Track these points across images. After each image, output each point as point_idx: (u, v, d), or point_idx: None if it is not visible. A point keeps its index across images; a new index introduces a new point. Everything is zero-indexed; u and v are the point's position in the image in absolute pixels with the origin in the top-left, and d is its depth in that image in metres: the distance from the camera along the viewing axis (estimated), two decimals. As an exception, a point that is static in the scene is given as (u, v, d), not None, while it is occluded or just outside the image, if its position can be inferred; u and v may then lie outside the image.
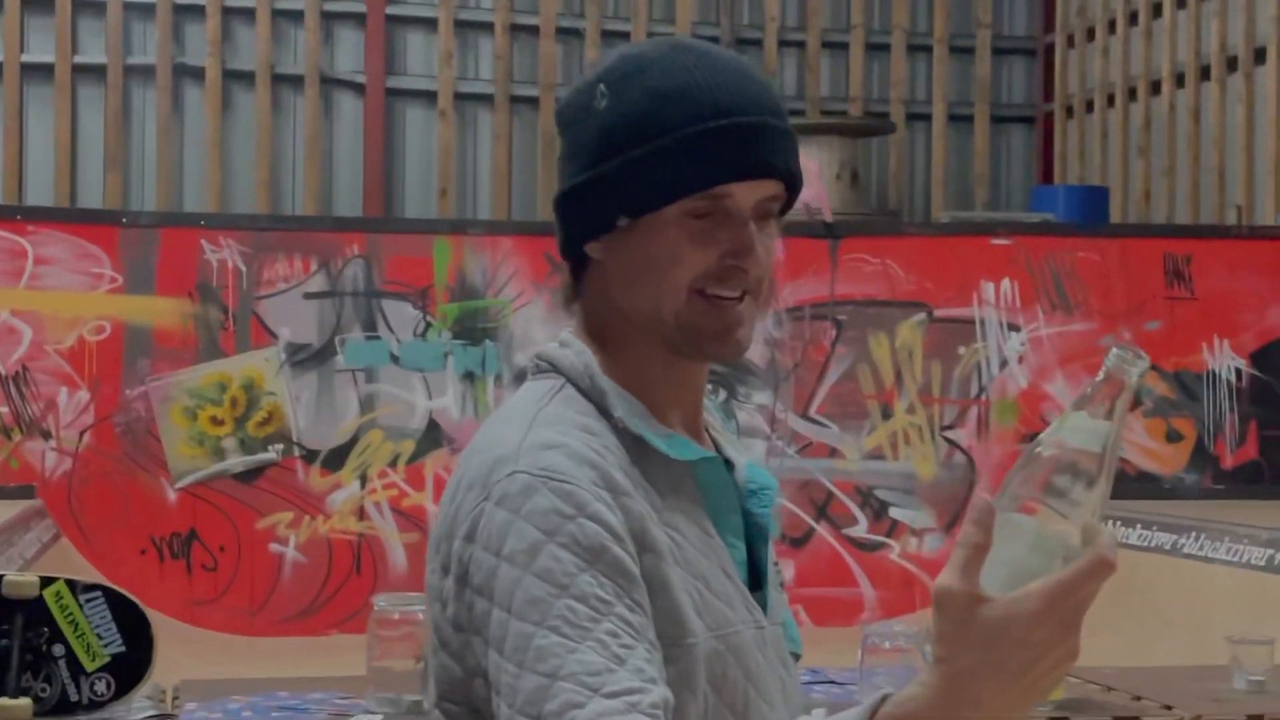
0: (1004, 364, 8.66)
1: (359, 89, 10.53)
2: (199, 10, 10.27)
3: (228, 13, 10.33)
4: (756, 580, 1.69)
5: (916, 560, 8.65)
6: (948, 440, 8.66)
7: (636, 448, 1.60)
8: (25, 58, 10.06)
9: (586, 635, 1.42)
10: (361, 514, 8.14)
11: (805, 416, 8.67)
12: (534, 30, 10.71)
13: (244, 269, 8.21)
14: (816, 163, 9.60)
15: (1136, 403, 7.74)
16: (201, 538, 8.00)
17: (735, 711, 1.57)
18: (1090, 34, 10.89)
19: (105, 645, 2.99)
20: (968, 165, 11.37)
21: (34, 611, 2.98)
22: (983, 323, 8.65)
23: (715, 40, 10.96)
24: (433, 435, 8.26)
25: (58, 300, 7.96)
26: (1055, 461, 1.29)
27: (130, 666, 2.99)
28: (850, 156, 10.33)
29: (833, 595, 8.57)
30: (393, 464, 8.19)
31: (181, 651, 5.14)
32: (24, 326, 7.93)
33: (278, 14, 10.38)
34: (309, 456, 8.09)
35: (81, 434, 7.86)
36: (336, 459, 8.09)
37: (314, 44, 10.33)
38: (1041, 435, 1.32)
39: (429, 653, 1.61)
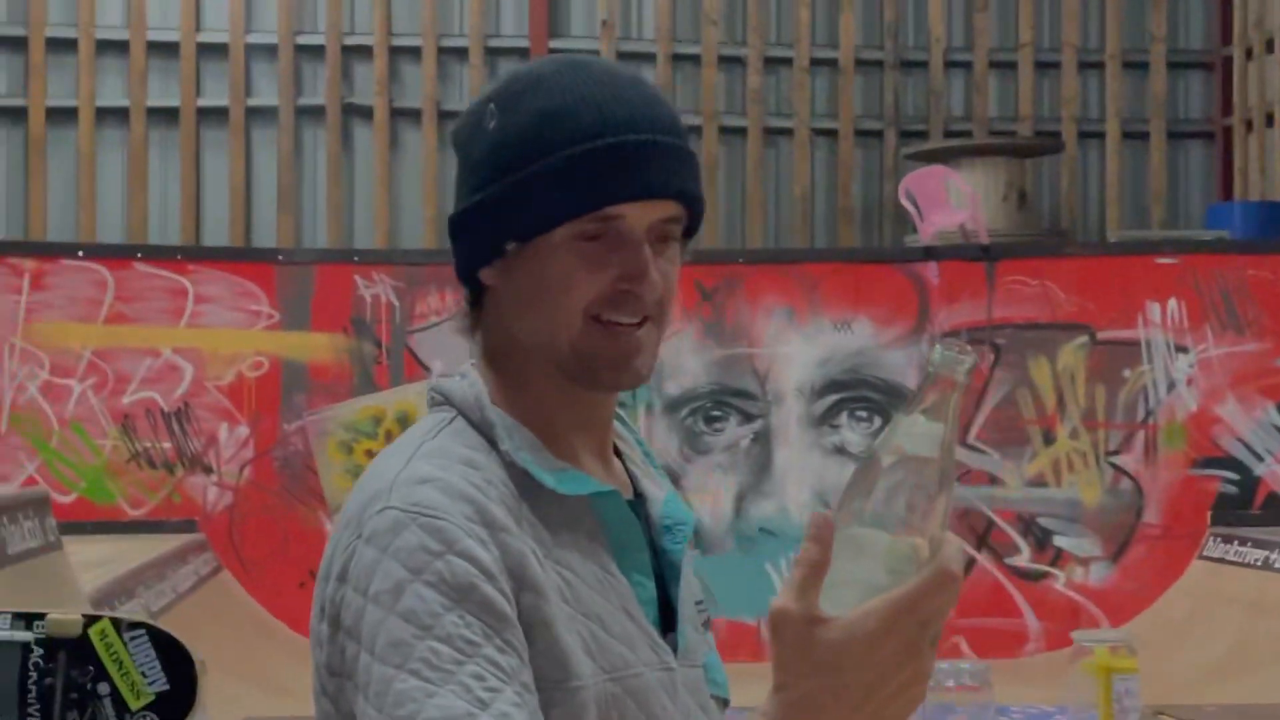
0: (1172, 386, 8.35)
1: (523, 123, 10.55)
2: (366, 50, 10.41)
3: (394, 52, 10.46)
4: (670, 620, 1.58)
5: (1083, 590, 8.36)
6: (1113, 466, 8.37)
7: (526, 482, 1.51)
8: (201, 102, 10.28)
9: (449, 679, 1.34)
10: (514, 545, 8.15)
11: (963, 444, 8.45)
12: (695, 59, 10.65)
13: (397, 303, 8.28)
14: (972, 185, 9.38)
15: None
16: (357, 569, 8.05)
17: None
18: (1269, 45, 10.46)
19: (150, 683, 2.96)
20: (1143, 183, 11.02)
21: (78, 649, 2.96)
22: (1149, 344, 8.35)
23: (879, 64, 10.81)
24: (584, 466, 8.24)
25: (217, 338, 8.11)
26: (893, 470, 1.20)
27: (174, 705, 2.95)
28: (1018, 177, 10.08)
29: (996, 626, 8.32)
30: (544, 495, 8.20)
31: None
32: (185, 364, 8.09)
33: (443, 52, 10.47)
34: (462, 488, 8.12)
35: (242, 468, 7.98)
36: (489, 490, 8.10)
37: (477, 80, 10.40)
38: (875, 443, 1.22)
39: (314, 698, 1.52)
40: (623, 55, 10.57)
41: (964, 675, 3.10)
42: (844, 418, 8.55)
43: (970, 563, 8.44)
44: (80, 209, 10.01)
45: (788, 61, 10.75)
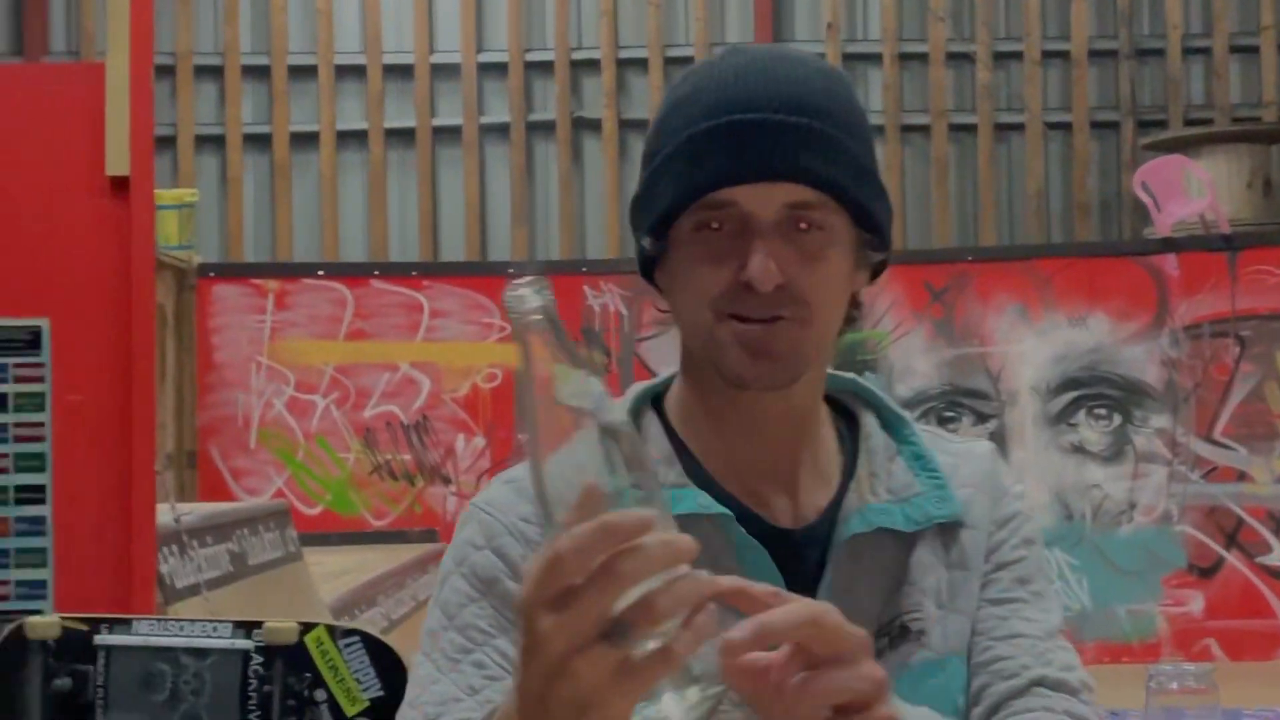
0: None
1: (750, 129, 10.53)
2: (594, 64, 10.48)
3: (621, 64, 10.51)
4: None
5: (1340, 589, 8.02)
6: (1369, 459, 8.03)
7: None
8: (435, 122, 10.47)
9: (455, 666, 1.41)
10: (748, 550, 8.13)
11: (1209, 439, 8.18)
12: (923, 57, 10.49)
13: (625, 312, 8.32)
14: (1214, 174, 9.06)
15: None
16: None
17: None
18: None
19: (364, 689, 2.98)
20: (1398, 165, 10.52)
21: (295, 657, 3.00)
22: (1405, 333, 7.98)
23: (1114, 53, 10.51)
24: (815, 470, 8.17)
25: (452, 351, 8.25)
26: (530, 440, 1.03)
27: (388, 710, 2.98)
28: (1262, 164, 9.69)
29: (1247, 628, 8.02)
30: (776, 500, 8.15)
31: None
32: (422, 377, 8.24)
33: (669, 62, 10.49)
34: (694, 494, 8.12)
35: (479, 478, 8.09)
36: (721, 496, 8.09)
37: (703, 88, 10.39)
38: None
39: None
40: (849, 57, 10.48)
41: (1188, 678, 2.96)
42: (1081, 415, 8.34)
43: (1219, 562, 8.15)
44: (324, 229, 10.27)
45: (1018, 55, 10.52)
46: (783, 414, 1.50)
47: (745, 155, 1.40)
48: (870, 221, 1.47)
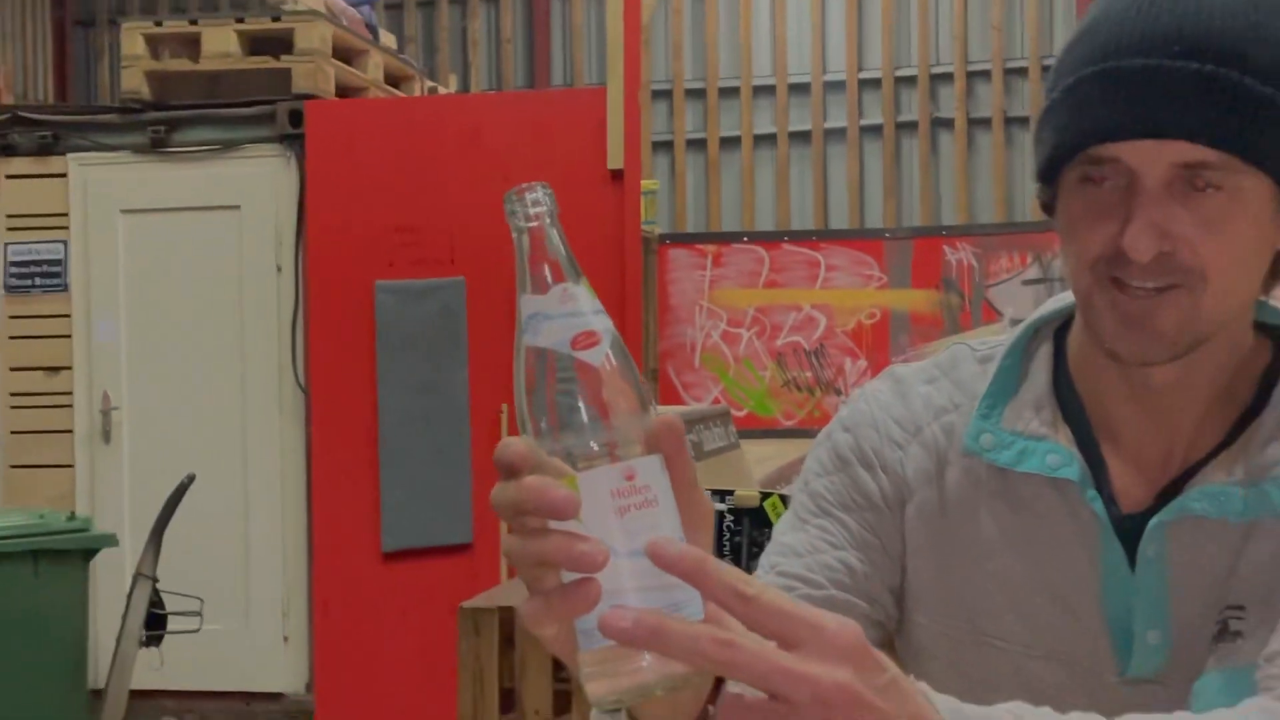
0: None
1: (1072, 122, 10.02)
2: (949, 77, 10.15)
3: (970, 76, 10.13)
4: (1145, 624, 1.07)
5: None
6: None
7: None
8: (827, 125, 10.34)
9: (803, 525, 1.16)
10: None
11: None
12: None
13: (976, 265, 8.05)
14: None
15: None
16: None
17: None
18: None
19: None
20: None
21: (757, 516, 3.03)
22: None
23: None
24: (1128, 387, 7.78)
25: (843, 296, 8.16)
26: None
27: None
28: None
29: None
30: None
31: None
32: (820, 315, 8.18)
33: (1008, 73, 10.06)
34: (1030, 405, 7.85)
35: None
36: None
37: (1035, 92, 9.94)
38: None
39: None
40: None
41: None
42: None
43: None
44: (744, 208, 10.32)
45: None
46: (1174, 385, 1.06)
47: (1130, 108, 0.96)
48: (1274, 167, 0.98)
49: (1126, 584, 1.07)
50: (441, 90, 5.75)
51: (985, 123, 10.15)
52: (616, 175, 4.50)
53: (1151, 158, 0.97)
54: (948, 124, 10.22)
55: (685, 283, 8.57)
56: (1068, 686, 1.08)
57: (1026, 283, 8.01)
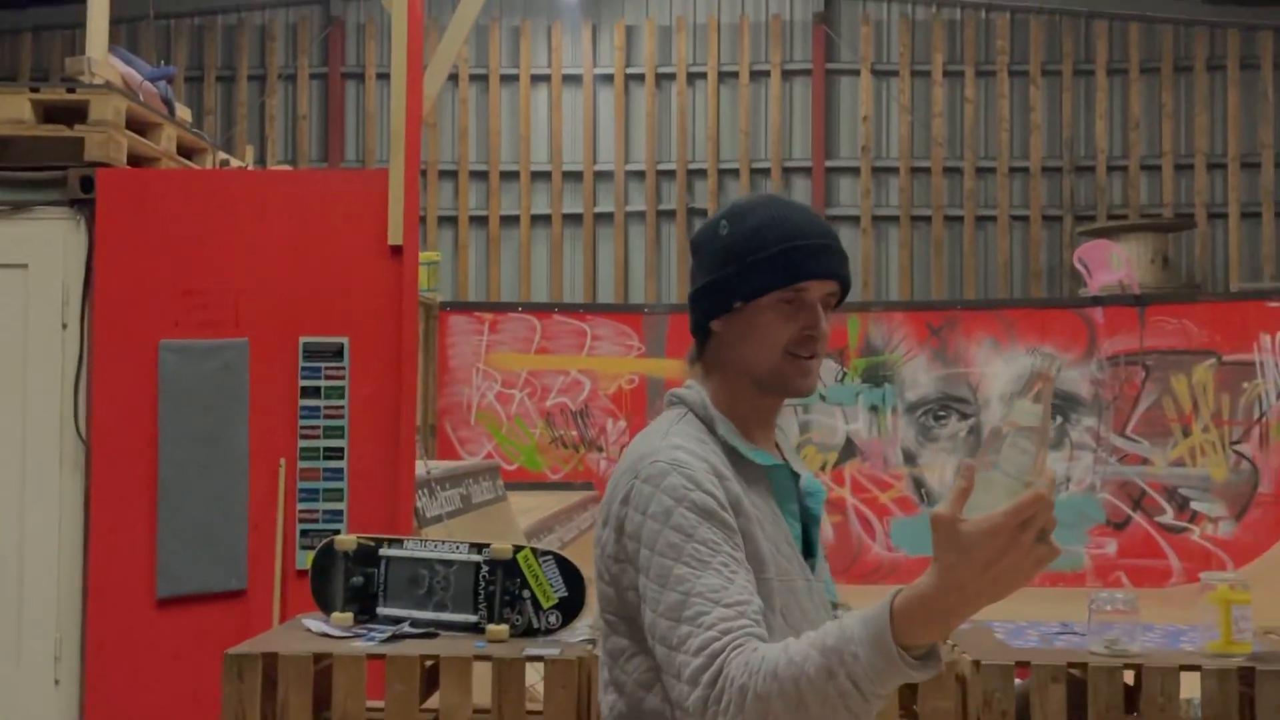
0: (1279, 394, 7.69)
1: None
2: (703, 172, 10.44)
3: (722, 173, 10.44)
4: (809, 551, 1.66)
5: (1213, 540, 7.79)
6: (1236, 452, 7.78)
7: (731, 455, 1.59)
8: (596, 210, 10.49)
9: (707, 566, 1.44)
10: (802, 502, 8.06)
11: (1123, 435, 8.00)
12: (927, 170, 10.35)
13: (722, 339, 8.28)
14: (1128, 253, 8.85)
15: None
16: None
17: (798, 629, 1.51)
18: (1356, 145, 9.54)
19: (555, 591, 2.99)
20: (1258, 249, 10.21)
21: (510, 567, 3.02)
22: (1262, 365, 7.73)
23: (1059, 169, 10.28)
24: (849, 449, 8.08)
25: (605, 363, 8.26)
26: (1010, 434, 1.28)
27: (572, 606, 2.98)
28: (1162, 246, 9.46)
29: (1147, 565, 7.82)
30: (822, 468, 8.05)
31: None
32: (585, 380, 8.26)
33: (753, 171, 10.42)
34: (766, 463, 8.09)
35: (620, 449, 8.09)
36: (785, 465, 8.05)
37: (777, 188, 10.34)
38: (1001, 420, 1.28)
39: (596, 581, 1.61)
40: (876, 169, 10.36)
41: (1118, 601, 2.89)
42: (1034, 417, 8.18)
43: (1128, 519, 7.95)
44: (521, 281, 10.36)
45: (993, 169, 10.36)
46: (777, 411, 1.68)
47: (824, 263, 1.60)
48: (843, 297, 1.69)
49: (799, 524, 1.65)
50: (235, 162, 5.59)
51: (734, 214, 10.48)
52: (396, 250, 4.45)
53: (820, 289, 1.60)
54: (702, 213, 10.53)
55: (464, 346, 8.52)
56: (806, 592, 1.59)
57: (765, 356, 8.27)
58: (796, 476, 1.67)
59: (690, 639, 1.40)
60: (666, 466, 1.50)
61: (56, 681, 4.33)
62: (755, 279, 1.58)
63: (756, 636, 1.40)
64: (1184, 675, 2.80)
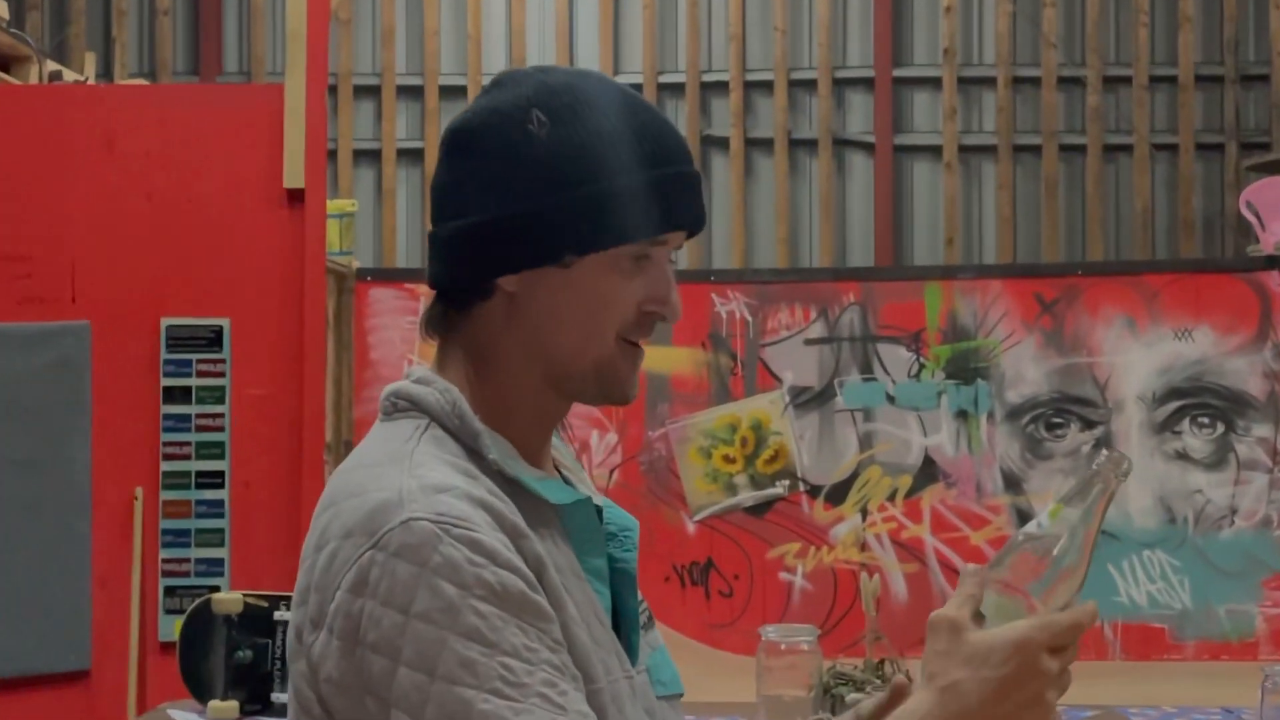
0: None
1: (869, 148, 10.48)
2: (723, 86, 10.51)
3: (749, 86, 10.52)
4: (617, 624, 1.52)
5: None
6: None
7: (508, 489, 1.42)
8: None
9: (527, 692, 1.27)
10: (863, 546, 8.07)
11: (1312, 446, 8.03)
12: (1036, 81, 10.39)
13: (750, 319, 8.30)
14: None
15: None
16: (718, 566, 8.13)
17: None
18: None
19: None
20: None
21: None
22: None
23: (1219, 79, 10.34)
24: (929, 471, 8.10)
25: (588, 353, 8.30)
26: (1040, 547, 1.35)
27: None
28: (1363, 185, 9.49)
29: (1343, 627, 7.87)
30: (891, 498, 8.08)
31: (703, 671, 5.21)
32: (561, 377, 8.30)
33: (793, 84, 10.49)
34: (813, 491, 8.10)
35: (611, 472, 8.13)
36: (839, 493, 8.07)
37: (826, 109, 10.38)
38: (1029, 525, 1.36)
39: (293, 712, 1.40)
40: (964, 80, 10.42)
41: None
42: (1186, 424, 8.21)
43: (1316, 567, 8.01)
44: (469, 238, 10.39)
45: (1127, 80, 10.39)
46: (564, 414, 1.57)
47: (696, 207, 1.51)
48: None
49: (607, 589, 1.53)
50: (70, 77, 5.61)
51: (765, 144, 10.55)
52: (295, 195, 4.48)
53: (677, 240, 1.50)
54: (721, 143, 10.57)
55: (390, 330, 8.53)
56: (629, 697, 1.45)
57: (809, 342, 8.30)
58: (599, 512, 1.53)
59: None
60: (432, 528, 1.31)
61: None
62: (603, 219, 1.42)
63: None
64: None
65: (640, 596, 1.57)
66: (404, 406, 1.48)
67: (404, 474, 1.36)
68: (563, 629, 1.36)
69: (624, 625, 1.52)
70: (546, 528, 1.43)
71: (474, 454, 1.42)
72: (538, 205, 1.42)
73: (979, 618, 1.33)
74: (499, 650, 1.28)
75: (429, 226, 1.53)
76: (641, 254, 1.46)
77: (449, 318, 1.49)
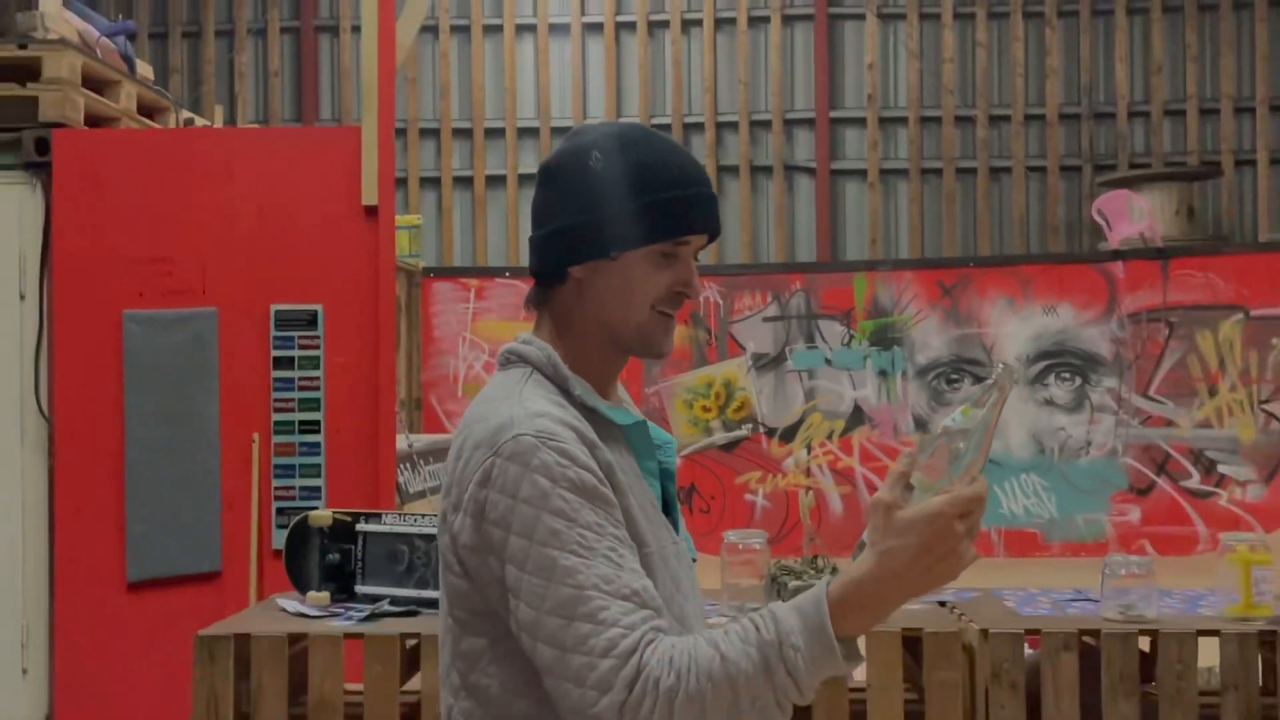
0: (1312, 351, 7.70)
1: (812, 172, 10.42)
2: (700, 126, 10.41)
3: (720, 126, 10.43)
4: (666, 508, 1.63)
5: (1241, 504, 7.81)
6: (1265, 411, 7.80)
7: (590, 415, 1.52)
8: (587, 167, 10.45)
9: (595, 553, 1.39)
10: (808, 473, 8.07)
11: (1146, 396, 8.01)
12: (938, 119, 10.32)
13: (721, 302, 8.29)
14: (1151, 204, 8.83)
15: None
16: (699, 490, 8.12)
17: (670, 601, 1.51)
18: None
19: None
20: (1289, 197, 10.19)
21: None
22: (1293, 319, 7.74)
23: (1078, 115, 10.27)
24: (858, 416, 8.10)
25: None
26: (954, 439, 1.36)
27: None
28: (1187, 196, 9.44)
29: (1173, 532, 7.85)
30: (829, 436, 8.08)
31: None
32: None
33: (753, 123, 10.41)
34: (770, 432, 8.10)
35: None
36: (789, 434, 8.07)
37: (779, 143, 10.31)
38: (946, 420, 1.36)
39: (442, 573, 1.52)
40: (884, 119, 10.34)
41: (1133, 565, 2.91)
42: (1052, 379, 8.19)
43: (1152, 485, 7.98)
44: (509, 243, 10.35)
45: (1007, 118, 10.32)
46: (624, 365, 1.64)
47: (712, 217, 1.57)
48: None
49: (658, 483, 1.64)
50: (202, 122, 5.57)
51: (733, 170, 10.49)
52: (371, 211, 4.45)
53: (698, 242, 1.57)
54: (699, 170, 10.49)
55: (449, 315, 8.53)
56: (675, 556, 1.56)
57: (766, 319, 8.30)
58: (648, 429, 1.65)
59: (591, 638, 1.35)
60: (534, 440, 1.42)
61: (24, 670, 4.36)
62: (639, 226, 1.52)
63: (661, 628, 1.37)
64: (1202, 641, 2.81)
65: (675, 490, 1.71)
66: (514, 360, 1.57)
67: (515, 405, 1.47)
68: (625, 512, 1.46)
69: (670, 508, 1.64)
70: (615, 442, 1.53)
71: (564, 392, 1.53)
72: (594, 217, 1.53)
73: (909, 491, 1.33)
74: (576, 524, 1.39)
75: (527, 235, 1.62)
76: (669, 251, 1.53)
77: (541, 297, 1.59)
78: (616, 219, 1.53)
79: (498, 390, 1.53)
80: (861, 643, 1.70)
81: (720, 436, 8.21)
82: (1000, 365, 1.37)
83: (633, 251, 1.52)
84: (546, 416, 1.45)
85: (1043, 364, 8.20)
